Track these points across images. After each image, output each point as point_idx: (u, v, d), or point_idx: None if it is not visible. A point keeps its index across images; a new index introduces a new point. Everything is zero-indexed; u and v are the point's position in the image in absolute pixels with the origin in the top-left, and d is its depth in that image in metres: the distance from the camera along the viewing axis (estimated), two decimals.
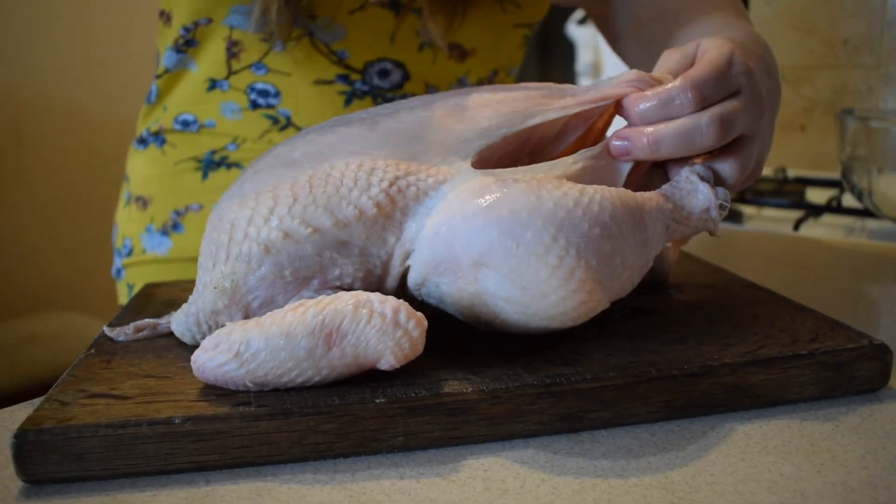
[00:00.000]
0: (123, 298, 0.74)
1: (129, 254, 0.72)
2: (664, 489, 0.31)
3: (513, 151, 0.46)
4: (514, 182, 0.38)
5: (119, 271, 0.74)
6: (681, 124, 0.41)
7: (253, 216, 0.38)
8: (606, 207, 0.37)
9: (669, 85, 0.42)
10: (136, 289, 0.72)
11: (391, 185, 0.39)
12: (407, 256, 0.39)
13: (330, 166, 0.39)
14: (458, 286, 0.37)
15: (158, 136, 0.71)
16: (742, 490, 0.31)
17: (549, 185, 0.37)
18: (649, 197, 0.40)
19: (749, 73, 0.43)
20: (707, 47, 0.44)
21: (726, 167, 0.43)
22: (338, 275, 0.38)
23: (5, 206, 1.65)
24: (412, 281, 0.39)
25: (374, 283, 0.39)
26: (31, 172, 1.68)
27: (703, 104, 0.41)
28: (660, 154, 0.42)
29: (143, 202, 0.71)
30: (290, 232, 0.37)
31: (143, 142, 0.72)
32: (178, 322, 0.40)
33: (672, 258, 0.51)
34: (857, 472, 0.32)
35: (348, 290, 0.38)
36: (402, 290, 0.40)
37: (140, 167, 0.73)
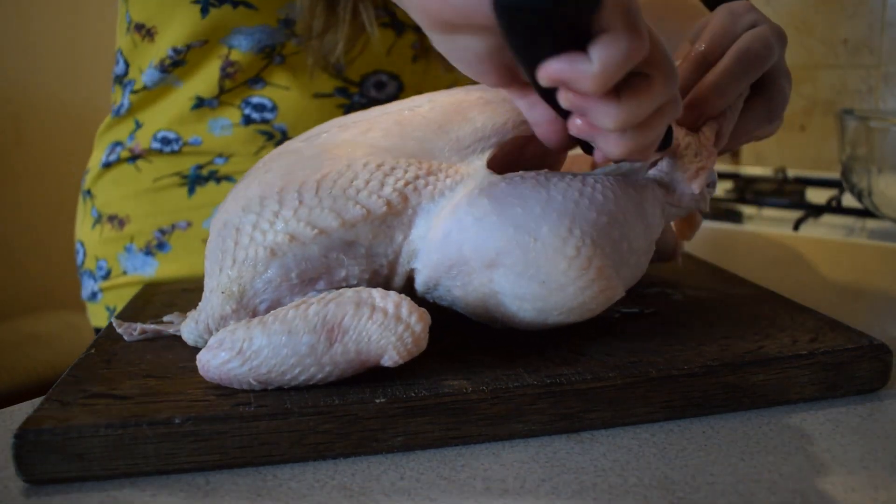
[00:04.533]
0: (100, 321, 0.71)
1: (107, 276, 0.69)
2: (664, 489, 0.31)
3: (512, 151, 0.46)
4: (521, 179, 0.38)
5: (95, 294, 0.70)
6: (733, 53, 0.42)
7: (258, 220, 0.37)
8: (609, 196, 0.37)
9: (696, 49, 0.43)
10: (119, 312, 0.69)
11: (407, 184, 0.38)
12: (413, 256, 0.39)
13: (347, 166, 0.39)
14: (472, 288, 0.37)
15: (131, 158, 0.67)
16: (742, 490, 0.31)
17: (553, 178, 0.38)
18: (643, 184, 0.41)
19: (754, 9, 0.44)
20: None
21: (770, 104, 0.44)
22: (344, 276, 0.38)
23: (5, 206, 1.65)
24: (422, 285, 0.39)
25: (381, 285, 0.39)
26: (31, 172, 1.68)
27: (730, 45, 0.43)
28: (726, 93, 0.42)
29: (118, 221, 0.68)
30: (295, 234, 0.37)
31: (109, 164, 0.68)
32: (189, 330, 0.40)
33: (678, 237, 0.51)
34: (857, 473, 0.32)
35: None
36: (409, 293, 0.40)
37: (108, 184, 0.69)
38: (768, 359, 0.37)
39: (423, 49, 0.67)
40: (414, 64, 0.67)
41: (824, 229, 0.90)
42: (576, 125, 0.35)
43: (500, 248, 0.36)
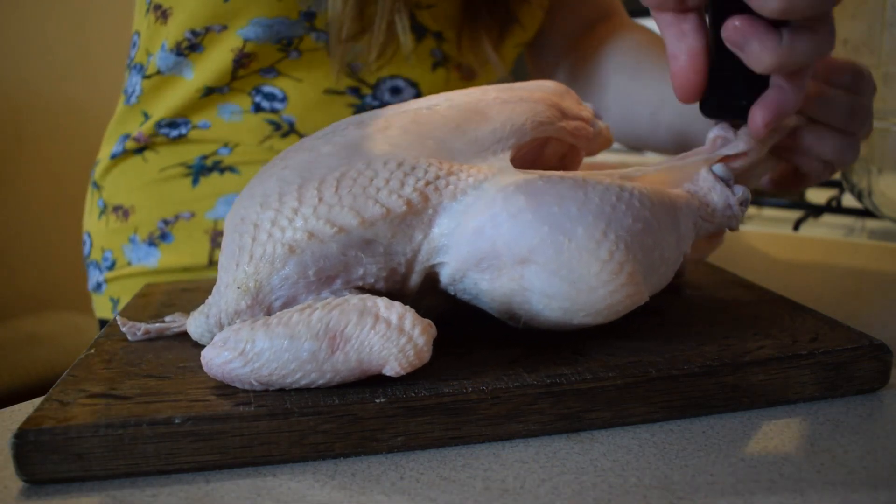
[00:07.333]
0: (104, 312, 0.71)
1: (112, 267, 0.69)
2: (664, 489, 0.31)
3: (529, 154, 0.46)
4: (560, 178, 0.38)
5: (99, 285, 0.71)
6: (851, 99, 0.45)
7: (277, 217, 0.37)
8: (646, 203, 0.38)
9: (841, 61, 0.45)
10: (122, 303, 0.69)
11: (428, 184, 0.38)
12: (435, 253, 0.38)
13: (366, 164, 0.38)
14: (500, 283, 0.37)
15: (139, 150, 0.68)
16: (742, 490, 0.31)
17: (592, 181, 0.38)
18: (678, 194, 0.41)
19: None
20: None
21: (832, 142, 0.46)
22: (361, 274, 0.37)
23: (5, 206, 1.65)
24: (447, 276, 0.39)
25: (398, 282, 0.39)
26: (31, 172, 1.68)
27: None
28: (825, 104, 0.43)
29: (123, 212, 0.69)
30: (315, 232, 0.36)
31: (117, 155, 0.69)
32: (198, 324, 0.40)
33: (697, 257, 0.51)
34: (857, 473, 0.32)
35: (370, 289, 0.38)
36: (428, 288, 0.40)
37: (117, 175, 0.70)
38: (768, 359, 0.37)
39: (444, 58, 0.66)
40: (433, 73, 0.66)
41: (824, 229, 0.90)
42: (732, 26, 0.37)
43: (533, 246, 0.36)
